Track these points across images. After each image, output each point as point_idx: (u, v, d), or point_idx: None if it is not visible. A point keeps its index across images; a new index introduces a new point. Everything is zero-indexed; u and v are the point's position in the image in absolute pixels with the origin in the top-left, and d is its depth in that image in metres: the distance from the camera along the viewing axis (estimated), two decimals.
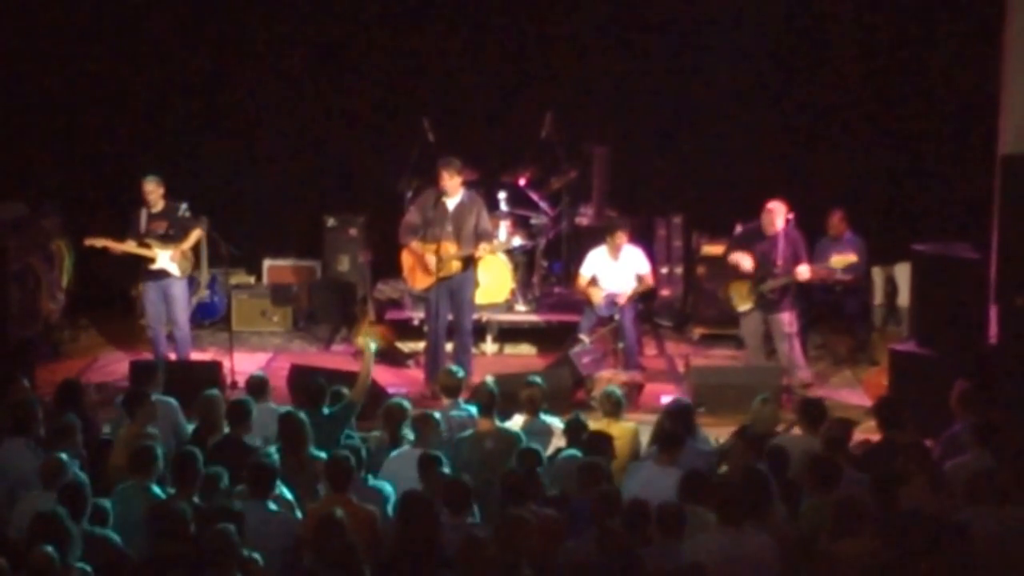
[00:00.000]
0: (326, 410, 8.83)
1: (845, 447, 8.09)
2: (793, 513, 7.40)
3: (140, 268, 11.32)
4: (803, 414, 8.69)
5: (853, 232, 12.26)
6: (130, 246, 11.15)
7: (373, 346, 9.60)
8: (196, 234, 11.39)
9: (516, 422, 9.00)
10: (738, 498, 6.79)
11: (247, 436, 8.42)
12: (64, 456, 7.51)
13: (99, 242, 11.14)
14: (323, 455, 7.87)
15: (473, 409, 8.87)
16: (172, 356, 11.37)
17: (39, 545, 6.26)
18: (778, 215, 10.89)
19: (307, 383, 9.25)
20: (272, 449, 8.03)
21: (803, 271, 10.80)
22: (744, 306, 11.04)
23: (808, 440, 8.39)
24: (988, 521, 7.10)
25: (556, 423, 8.91)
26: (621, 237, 11.50)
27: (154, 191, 11.16)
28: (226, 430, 8.53)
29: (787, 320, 10.96)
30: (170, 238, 11.19)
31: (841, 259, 11.05)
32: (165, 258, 11.16)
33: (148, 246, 11.14)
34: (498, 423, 8.67)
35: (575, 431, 8.45)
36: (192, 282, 12.14)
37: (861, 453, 8.37)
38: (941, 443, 8.60)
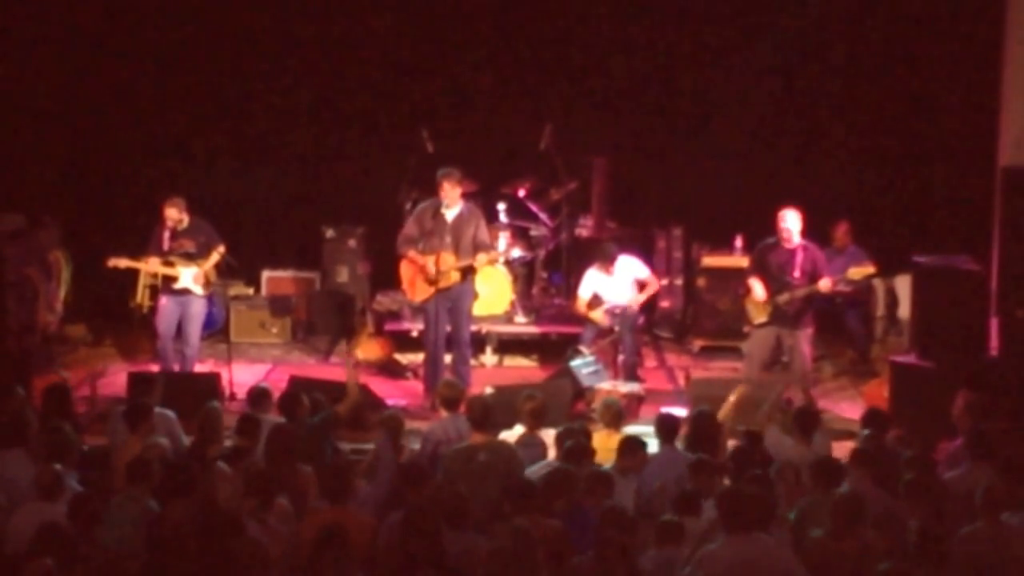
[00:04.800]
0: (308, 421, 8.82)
1: (863, 463, 8.02)
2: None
3: (161, 283, 11.24)
4: (796, 423, 8.65)
5: (856, 245, 12.23)
6: (153, 265, 11.11)
7: (350, 361, 9.65)
8: (218, 253, 11.30)
9: (516, 433, 8.96)
10: (747, 506, 6.75)
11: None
12: (59, 467, 7.48)
13: (122, 263, 11.09)
14: (308, 468, 7.88)
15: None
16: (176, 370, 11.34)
17: (41, 557, 6.23)
18: (795, 224, 10.65)
19: (284, 395, 9.23)
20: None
21: (825, 284, 10.59)
22: (760, 318, 10.86)
23: (800, 450, 8.35)
24: (985, 533, 7.07)
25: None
26: (607, 266, 11.47)
27: (176, 215, 11.09)
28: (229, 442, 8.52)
29: (808, 337, 10.81)
30: (193, 256, 11.14)
31: (859, 270, 10.94)
32: (188, 277, 11.11)
33: (172, 264, 11.09)
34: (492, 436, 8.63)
35: (561, 440, 8.44)
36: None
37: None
38: (946, 456, 8.56)
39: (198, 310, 11.28)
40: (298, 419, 8.77)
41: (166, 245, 11.13)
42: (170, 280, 11.15)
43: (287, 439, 8.09)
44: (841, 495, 6.99)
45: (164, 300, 11.24)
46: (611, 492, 7.51)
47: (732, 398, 9.43)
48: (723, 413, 9.29)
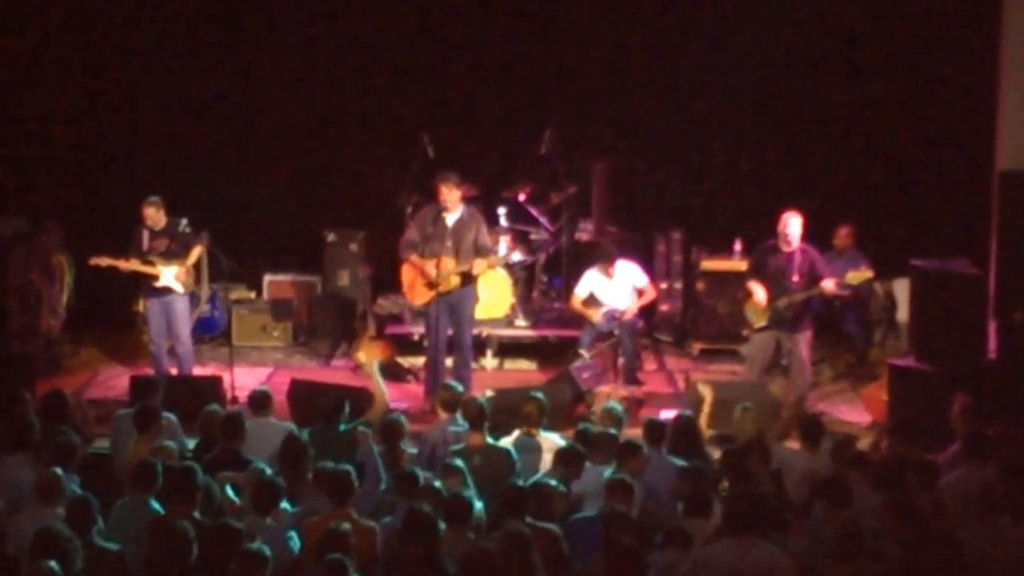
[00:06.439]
0: (341, 426, 8.85)
1: (863, 466, 8.07)
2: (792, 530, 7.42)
3: (142, 284, 11.36)
4: (803, 431, 8.70)
5: (857, 249, 12.27)
6: (134, 264, 11.19)
7: (376, 365, 9.64)
8: (197, 250, 11.48)
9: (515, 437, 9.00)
10: (745, 510, 6.79)
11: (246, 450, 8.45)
12: (60, 471, 7.52)
13: (104, 261, 11.17)
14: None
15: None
16: (174, 371, 11.42)
17: (41, 560, 6.27)
18: (796, 227, 10.66)
19: (324, 399, 9.25)
20: (263, 465, 8.04)
21: (828, 285, 10.61)
22: (759, 322, 10.87)
23: (808, 457, 8.41)
24: (983, 535, 7.11)
25: (556, 439, 8.90)
26: (608, 267, 11.52)
27: (155, 215, 11.23)
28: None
29: (808, 340, 10.83)
30: (173, 255, 11.24)
31: (857, 275, 10.96)
32: (169, 275, 11.20)
33: (152, 264, 11.19)
34: (489, 439, 8.66)
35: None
36: (193, 297, 12.16)
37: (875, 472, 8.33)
38: (945, 459, 8.58)
39: (182, 308, 11.37)
40: (336, 424, 8.82)
41: (145, 245, 11.22)
42: (152, 279, 11.23)
43: (300, 449, 8.12)
44: (844, 521, 6.99)
45: (149, 303, 11.36)
46: (630, 498, 7.50)
47: (707, 401, 9.48)
48: (703, 418, 9.35)
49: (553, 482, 7.81)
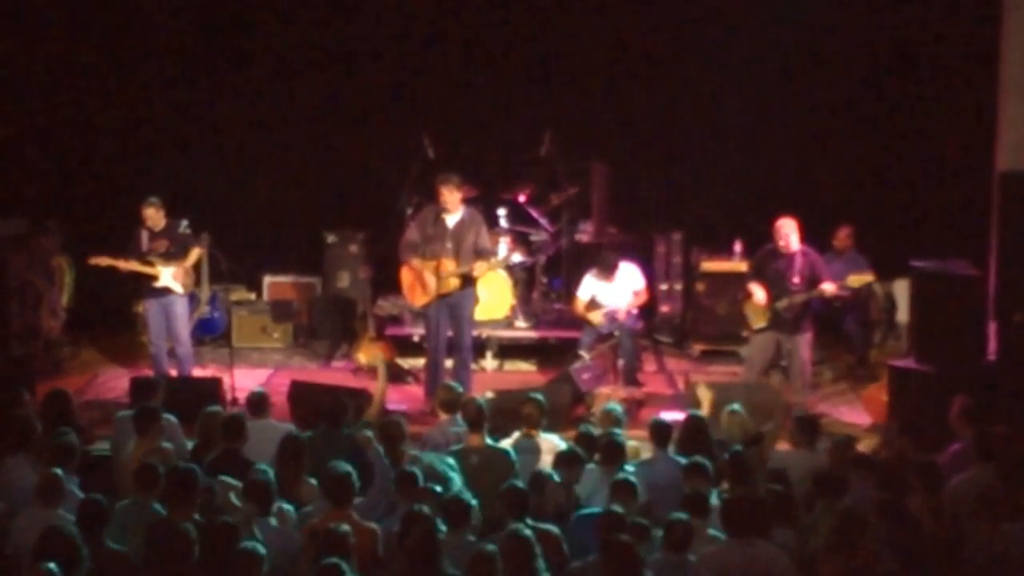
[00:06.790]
0: (344, 429, 8.86)
1: (863, 467, 8.08)
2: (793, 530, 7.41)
3: (142, 285, 11.38)
4: (798, 430, 8.70)
5: (856, 250, 12.28)
6: (133, 264, 11.20)
7: (382, 366, 9.66)
8: (196, 252, 11.49)
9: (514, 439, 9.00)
10: (745, 511, 6.80)
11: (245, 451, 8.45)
12: (60, 472, 7.52)
13: (103, 260, 11.19)
14: (314, 482, 7.90)
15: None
16: (173, 373, 11.43)
17: (45, 562, 6.27)
18: (791, 232, 10.70)
19: (327, 401, 9.24)
20: (265, 466, 8.05)
21: (829, 287, 10.65)
22: (759, 323, 10.91)
23: (809, 456, 8.41)
24: (990, 536, 7.11)
25: (556, 440, 8.90)
26: (608, 272, 11.52)
27: (154, 215, 11.24)
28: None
29: (808, 341, 10.85)
30: (172, 256, 11.25)
31: (859, 278, 10.97)
32: (168, 276, 11.22)
33: (151, 264, 11.20)
34: (488, 440, 8.66)
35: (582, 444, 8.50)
36: (193, 298, 12.17)
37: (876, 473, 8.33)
38: (946, 460, 8.58)
39: (181, 310, 11.39)
40: (340, 426, 8.82)
41: (144, 246, 11.23)
42: (151, 280, 11.25)
43: (298, 448, 8.12)
44: (841, 510, 7.01)
45: (148, 304, 11.38)
46: (633, 498, 7.51)
47: (705, 404, 9.49)
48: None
49: (556, 477, 7.83)
